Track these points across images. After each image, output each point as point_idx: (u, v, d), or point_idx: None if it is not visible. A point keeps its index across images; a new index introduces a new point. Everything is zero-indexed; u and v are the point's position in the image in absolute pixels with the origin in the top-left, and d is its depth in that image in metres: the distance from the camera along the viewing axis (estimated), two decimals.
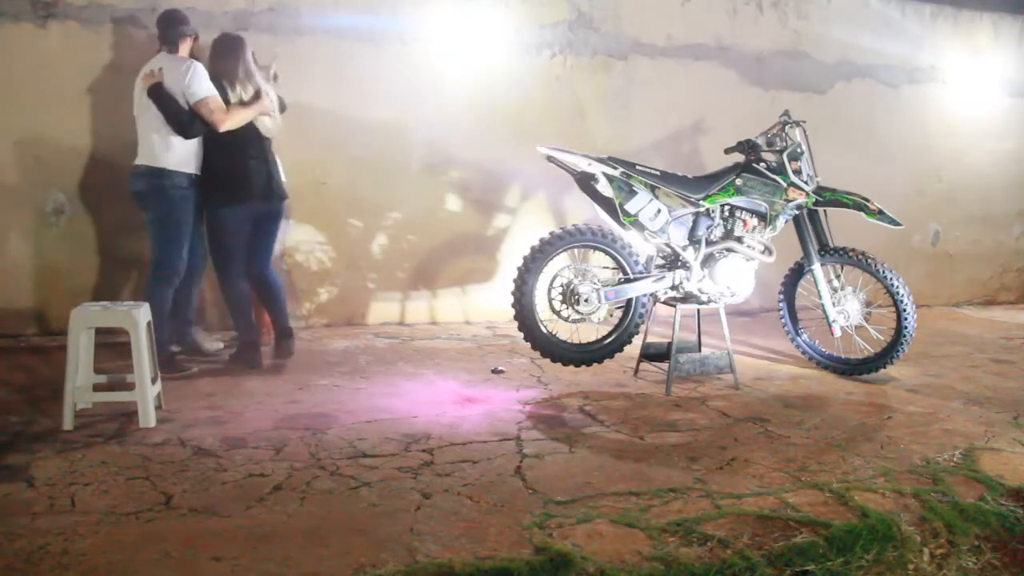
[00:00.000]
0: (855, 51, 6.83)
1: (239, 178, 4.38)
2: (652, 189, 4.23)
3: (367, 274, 5.75)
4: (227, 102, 4.29)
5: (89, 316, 3.53)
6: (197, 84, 4.20)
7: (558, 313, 4.18)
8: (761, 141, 4.45)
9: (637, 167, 4.27)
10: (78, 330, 3.47)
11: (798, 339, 4.78)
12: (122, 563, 2.28)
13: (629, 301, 4.33)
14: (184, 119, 4.21)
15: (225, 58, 4.39)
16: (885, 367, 4.53)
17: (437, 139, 5.72)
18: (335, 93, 5.43)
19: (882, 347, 4.54)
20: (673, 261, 4.39)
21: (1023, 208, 7.68)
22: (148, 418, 3.45)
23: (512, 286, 4.19)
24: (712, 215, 4.37)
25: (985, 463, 3.28)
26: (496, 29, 5.76)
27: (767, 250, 4.42)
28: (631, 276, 4.30)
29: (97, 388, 3.65)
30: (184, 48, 4.39)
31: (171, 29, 4.37)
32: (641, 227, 4.21)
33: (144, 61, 4.39)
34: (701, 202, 4.33)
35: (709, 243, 4.37)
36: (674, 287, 4.33)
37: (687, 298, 4.38)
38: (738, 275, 4.35)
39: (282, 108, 4.61)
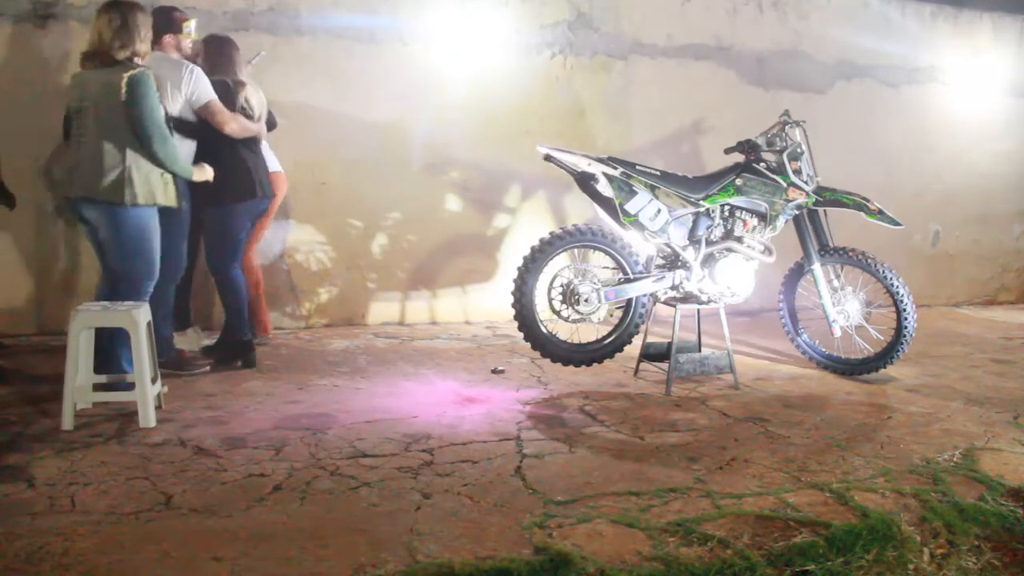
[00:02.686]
0: (855, 51, 6.83)
1: (253, 174, 4.41)
2: (652, 189, 4.23)
3: (367, 274, 5.75)
4: (231, 103, 4.28)
5: (89, 316, 3.53)
6: (201, 89, 4.16)
7: (558, 313, 4.18)
8: (761, 141, 4.45)
9: (637, 167, 4.27)
10: (78, 330, 3.47)
11: (798, 339, 4.78)
12: (122, 563, 2.28)
13: (629, 301, 4.33)
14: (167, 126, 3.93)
15: (220, 59, 4.41)
16: (885, 367, 4.53)
17: (437, 139, 5.73)
18: (335, 93, 5.44)
19: (882, 347, 4.53)
20: (673, 261, 4.39)
21: (1023, 208, 7.68)
22: (148, 418, 3.45)
23: (512, 286, 4.19)
24: (712, 215, 4.37)
25: (985, 463, 3.28)
26: (496, 29, 5.76)
27: (767, 250, 4.42)
28: (631, 276, 4.30)
29: (97, 388, 3.65)
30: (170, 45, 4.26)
31: (169, 25, 4.24)
32: (641, 227, 4.21)
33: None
34: (701, 202, 4.33)
35: (709, 243, 4.36)
36: (674, 287, 4.33)
37: (687, 298, 4.38)
38: (738, 275, 4.35)
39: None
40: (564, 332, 4.32)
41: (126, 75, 3.67)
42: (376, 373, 4.46)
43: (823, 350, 4.72)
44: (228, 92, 4.30)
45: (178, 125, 4.13)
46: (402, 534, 2.49)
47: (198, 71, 4.19)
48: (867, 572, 2.55)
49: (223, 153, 4.29)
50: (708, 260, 4.36)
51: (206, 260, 4.56)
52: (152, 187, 3.79)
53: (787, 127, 4.51)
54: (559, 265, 4.27)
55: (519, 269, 4.18)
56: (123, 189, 3.71)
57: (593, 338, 4.38)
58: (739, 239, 4.37)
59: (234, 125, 4.24)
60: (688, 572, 2.38)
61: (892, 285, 4.42)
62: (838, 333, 4.56)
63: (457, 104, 5.71)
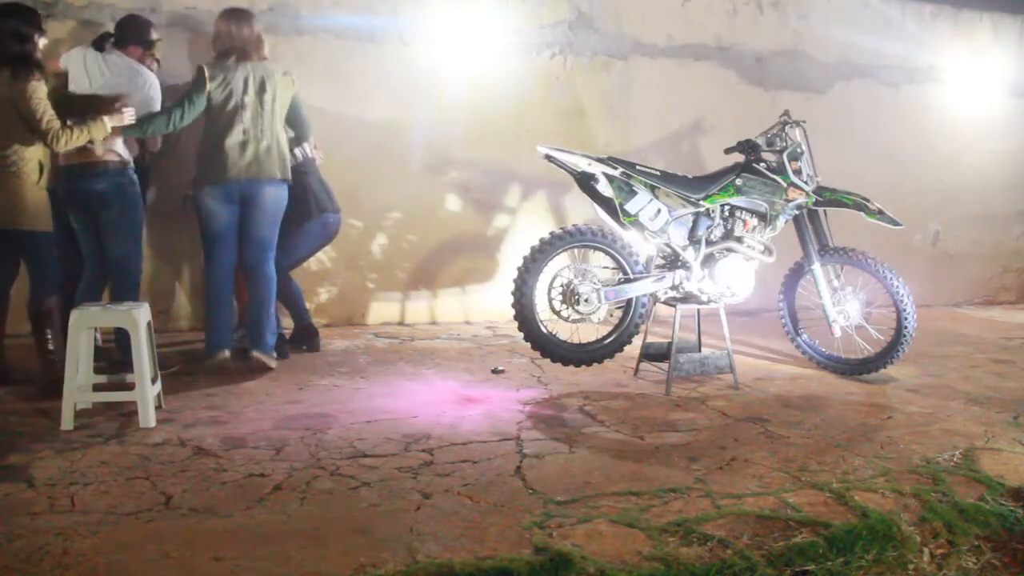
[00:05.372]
0: (855, 51, 6.83)
1: (310, 196, 4.78)
2: (652, 189, 4.24)
3: (367, 274, 5.75)
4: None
5: (89, 316, 3.53)
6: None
7: (558, 313, 4.18)
8: (761, 141, 4.45)
9: (637, 167, 4.27)
10: (78, 330, 3.47)
11: (798, 339, 4.77)
12: (122, 563, 2.28)
13: (629, 301, 4.33)
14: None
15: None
16: (885, 367, 4.53)
17: (437, 139, 5.73)
18: (335, 93, 5.43)
19: (882, 347, 4.53)
20: (673, 261, 4.39)
21: (1023, 208, 7.68)
22: (148, 418, 3.45)
23: (512, 286, 4.19)
24: (712, 215, 4.37)
25: (985, 463, 3.28)
26: (496, 29, 5.76)
27: (767, 250, 4.42)
28: (631, 276, 4.30)
29: (97, 388, 3.65)
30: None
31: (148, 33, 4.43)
32: (641, 227, 4.21)
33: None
34: (701, 202, 4.33)
35: (709, 243, 4.36)
36: (674, 287, 4.33)
37: (687, 298, 4.38)
38: (738, 275, 4.35)
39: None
40: (564, 332, 4.31)
41: (285, 72, 4.33)
42: (376, 373, 4.46)
43: (823, 350, 4.72)
44: None
45: None
46: (402, 534, 2.49)
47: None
48: (867, 572, 2.55)
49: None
50: (708, 260, 4.35)
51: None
52: None
53: (787, 127, 4.50)
54: (559, 265, 4.27)
55: (519, 269, 4.18)
56: (289, 167, 4.38)
57: (593, 338, 4.38)
58: (739, 239, 4.37)
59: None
60: (688, 572, 2.38)
61: (892, 285, 4.42)
62: (838, 333, 4.56)
63: (457, 104, 5.71)
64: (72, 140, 3.80)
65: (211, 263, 4.38)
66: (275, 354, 4.43)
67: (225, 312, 4.35)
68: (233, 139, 4.20)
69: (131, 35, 4.33)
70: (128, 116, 4.01)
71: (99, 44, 4.26)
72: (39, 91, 3.75)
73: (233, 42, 4.22)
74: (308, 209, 4.71)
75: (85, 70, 4.17)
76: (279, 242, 4.52)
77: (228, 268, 4.35)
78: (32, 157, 3.84)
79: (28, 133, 3.78)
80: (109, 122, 3.92)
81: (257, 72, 4.24)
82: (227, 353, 4.27)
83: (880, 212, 4.43)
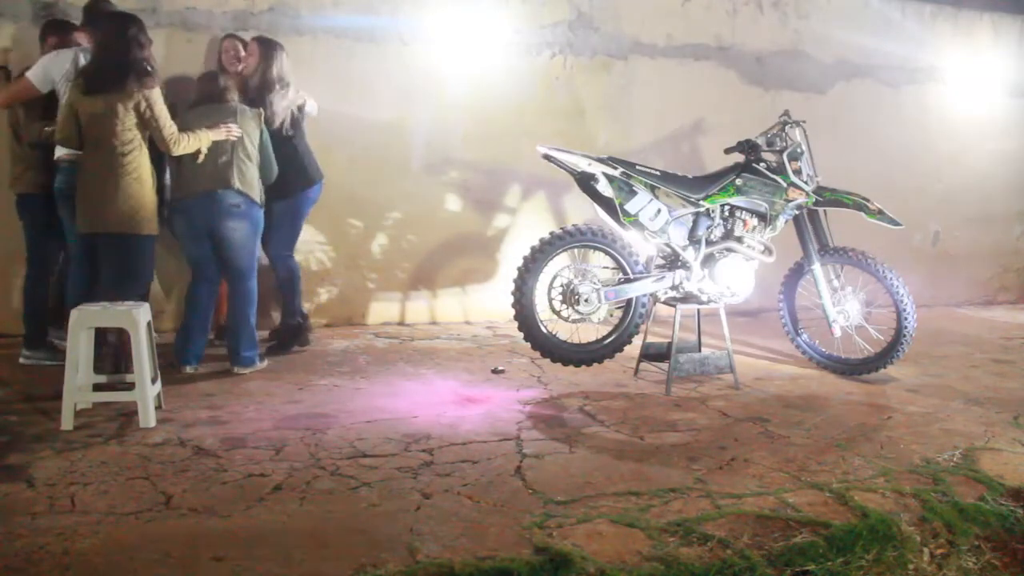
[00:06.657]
0: (855, 51, 6.83)
1: (307, 162, 4.82)
2: (652, 189, 4.24)
3: (367, 274, 5.75)
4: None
5: (89, 316, 3.53)
6: None
7: (558, 313, 4.18)
8: (761, 141, 4.45)
9: (637, 167, 4.27)
10: (78, 330, 3.47)
11: (798, 339, 4.77)
12: (122, 563, 2.28)
13: (629, 301, 4.33)
14: None
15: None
16: (885, 367, 4.53)
17: (437, 139, 5.73)
18: (335, 93, 5.42)
19: (882, 347, 4.53)
20: (673, 261, 4.39)
21: (1023, 208, 7.68)
22: (148, 418, 3.45)
23: (512, 286, 4.19)
24: (712, 215, 4.37)
25: (985, 463, 3.28)
26: (496, 29, 5.76)
27: (767, 250, 4.42)
28: (631, 276, 4.30)
29: (97, 388, 3.65)
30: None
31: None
32: (641, 227, 4.21)
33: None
34: (701, 202, 4.33)
35: (709, 243, 4.36)
36: (674, 287, 4.33)
37: (687, 298, 4.38)
38: (738, 275, 4.35)
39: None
40: (564, 332, 4.31)
41: (251, 109, 4.36)
42: (376, 373, 4.46)
43: (823, 350, 4.72)
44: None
45: None
46: (402, 534, 2.50)
47: None
48: (867, 572, 2.56)
49: (284, 148, 4.57)
50: (708, 260, 4.35)
51: (270, 249, 4.76)
52: None
53: (787, 127, 4.51)
54: (559, 265, 4.27)
55: (519, 269, 4.18)
56: (253, 187, 4.28)
57: (593, 338, 4.38)
58: (739, 239, 4.37)
59: None
60: (688, 572, 2.38)
61: (892, 285, 4.42)
62: (838, 333, 4.56)
63: (457, 104, 5.71)
64: (188, 146, 4.03)
65: (190, 287, 4.41)
66: (258, 361, 4.42)
67: (198, 331, 4.35)
68: (189, 157, 4.17)
69: None
70: (236, 131, 4.18)
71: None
72: (161, 97, 3.93)
73: (200, 95, 4.35)
74: (309, 175, 4.77)
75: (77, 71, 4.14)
76: (284, 235, 4.63)
77: (205, 296, 4.36)
78: (147, 161, 3.97)
79: (142, 138, 3.92)
80: (214, 135, 4.12)
81: (217, 111, 4.26)
82: (189, 370, 4.30)
83: (880, 212, 4.43)
